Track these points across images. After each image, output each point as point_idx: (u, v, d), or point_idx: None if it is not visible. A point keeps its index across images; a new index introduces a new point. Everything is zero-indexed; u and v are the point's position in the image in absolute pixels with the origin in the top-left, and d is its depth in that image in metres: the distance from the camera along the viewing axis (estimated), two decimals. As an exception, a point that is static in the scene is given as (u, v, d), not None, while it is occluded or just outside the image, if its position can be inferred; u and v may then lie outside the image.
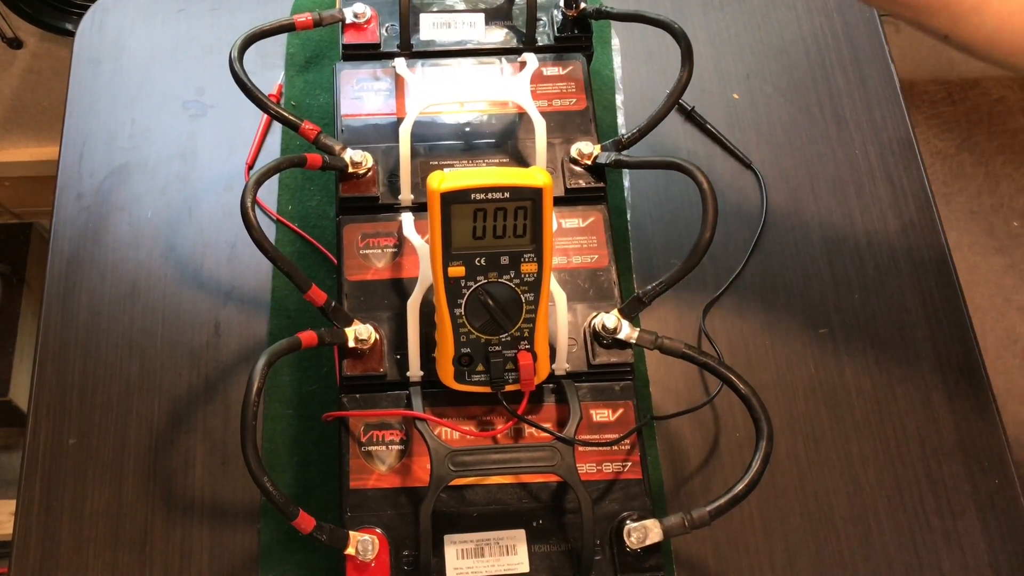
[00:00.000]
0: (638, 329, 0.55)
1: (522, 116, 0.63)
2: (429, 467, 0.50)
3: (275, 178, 0.70)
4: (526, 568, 0.50)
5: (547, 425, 0.54)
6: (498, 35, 0.66)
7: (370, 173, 0.60)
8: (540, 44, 0.66)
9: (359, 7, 0.65)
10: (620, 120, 0.74)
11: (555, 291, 0.54)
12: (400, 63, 0.63)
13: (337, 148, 0.59)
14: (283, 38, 0.76)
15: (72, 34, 0.81)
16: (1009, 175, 1.59)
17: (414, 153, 0.60)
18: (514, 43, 0.66)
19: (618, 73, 0.76)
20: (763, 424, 0.50)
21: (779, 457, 0.62)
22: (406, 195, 0.59)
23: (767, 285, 0.68)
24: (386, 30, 0.65)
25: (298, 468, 0.60)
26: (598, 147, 0.62)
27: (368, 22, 0.65)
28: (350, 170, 0.59)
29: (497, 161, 0.61)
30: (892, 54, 0.78)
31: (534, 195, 0.48)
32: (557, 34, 0.66)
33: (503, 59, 0.65)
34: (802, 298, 0.68)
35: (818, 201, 0.72)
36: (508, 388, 0.53)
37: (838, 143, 0.74)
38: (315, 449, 0.61)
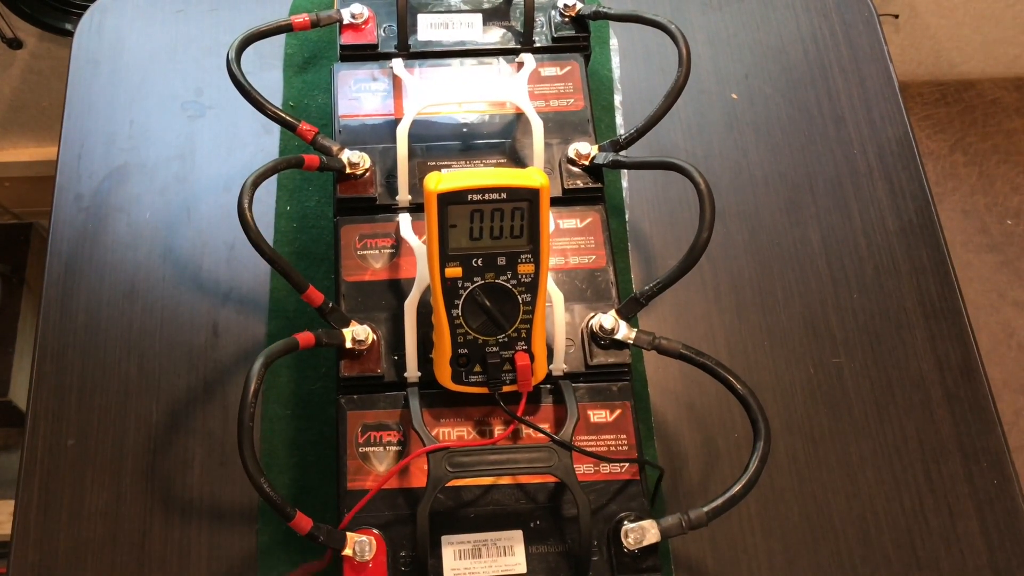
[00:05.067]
0: (635, 329, 0.55)
1: (520, 116, 0.63)
2: (426, 468, 0.50)
3: (273, 179, 0.70)
4: (523, 569, 0.50)
5: (545, 426, 0.54)
6: (496, 35, 0.66)
7: (368, 174, 0.60)
8: (538, 44, 0.66)
9: (356, 8, 0.65)
10: (619, 120, 0.74)
11: (552, 292, 0.54)
12: (398, 64, 0.63)
13: (335, 149, 0.59)
14: (281, 39, 0.76)
15: (72, 34, 0.81)
16: (1003, 175, 1.59)
17: (412, 154, 0.60)
18: (512, 43, 0.66)
19: (616, 73, 0.76)
20: (761, 425, 0.50)
21: (777, 458, 0.62)
22: (404, 196, 0.59)
23: (765, 285, 0.68)
24: (384, 31, 0.65)
25: (296, 469, 0.60)
26: (596, 147, 0.62)
27: (366, 23, 0.65)
28: (348, 171, 0.59)
29: (494, 162, 0.61)
30: (891, 54, 0.78)
31: (531, 196, 0.48)
32: (555, 34, 0.66)
33: (501, 59, 0.65)
34: (801, 298, 0.67)
35: (817, 201, 0.71)
36: (505, 389, 0.53)
37: (837, 143, 0.74)
38: (313, 450, 0.61)
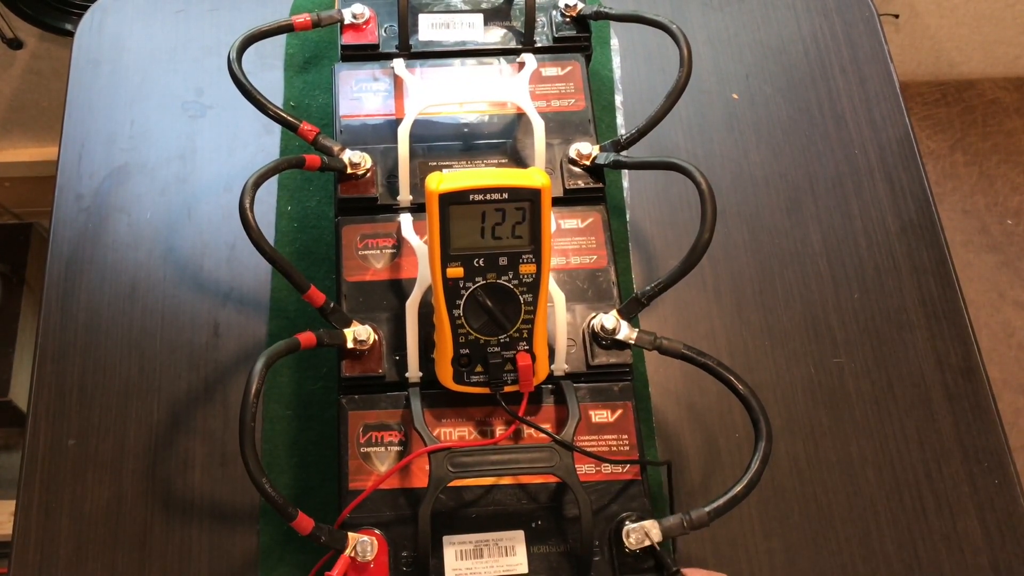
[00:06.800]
0: (637, 330, 0.55)
1: (521, 117, 0.63)
2: (428, 468, 0.50)
3: (274, 179, 0.70)
4: (525, 569, 0.50)
5: (546, 426, 0.54)
6: (497, 35, 0.66)
7: (369, 174, 0.60)
8: (539, 44, 0.66)
9: (358, 8, 0.65)
10: (619, 120, 0.74)
11: (554, 292, 0.54)
12: (399, 64, 0.63)
13: (336, 149, 0.59)
14: (282, 39, 0.76)
15: (72, 34, 0.81)
16: (1003, 175, 1.59)
17: (413, 154, 0.60)
18: (513, 43, 0.66)
19: (617, 73, 0.76)
20: (762, 425, 0.50)
21: (778, 458, 0.62)
22: (405, 196, 0.59)
23: (766, 285, 0.68)
24: (385, 31, 0.65)
25: (297, 469, 0.60)
26: (597, 148, 0.62)
27: (367, 23, 0.65)
28: (349, 171, 0.59)
29: (496, 162, 0.61)
30: (891, 54, 0.78)
31: (532, 196, 0.48)
32: (556, 34, 0.66)
33: (502, 59, 0.65)
34: (801, 298, 0.68)
35: (817, 201, 0.72)
36: (507, 389, 0.53)
37: (837, 143, 0.74)
38: (314, 450, 0.61)
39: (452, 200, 0.47)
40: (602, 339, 0.56)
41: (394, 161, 0.60)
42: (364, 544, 0.49)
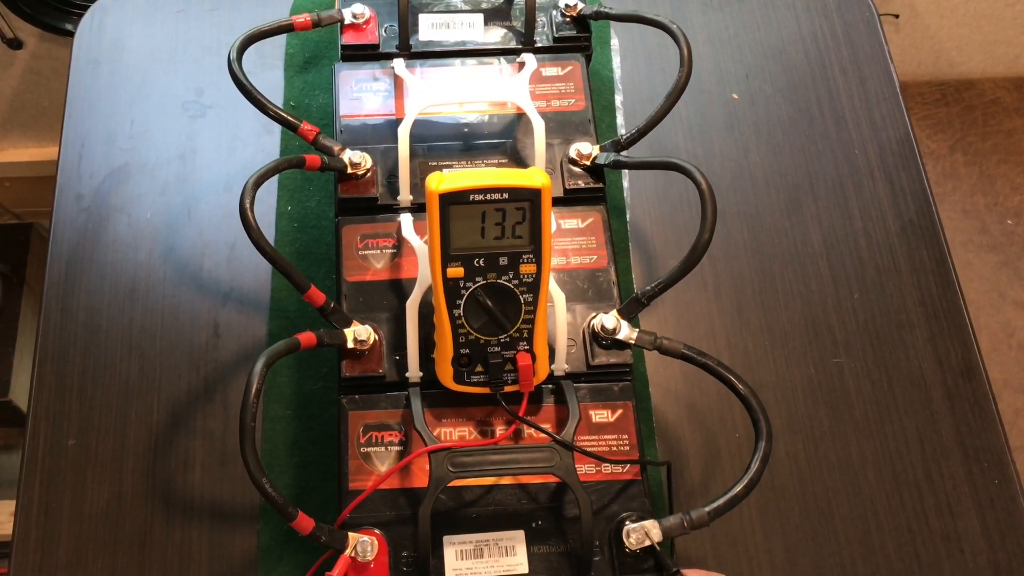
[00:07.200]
0: (637, 329, 0.55)
1: (521, 117, 0.63)
2: (428, 468, 0.50)
3: (274, 179, 0.70)
4: (525, 569, 0.50)
5: (546, 426, 0.54)
6: (497, 35, 0.66)
7: (369, 174, 0.60)
8: (539, 44, 0.66)
9: (358, 7, 0.65)
10: (619, 120, 0.74)
11: (554, 292, 0.54)
12: (399, 64, 0.63)
13: (336, 149, 0.59)
14: (282, 38, 0.75)
15: (72, 34, 0.81)
16: (1004, 175, 1.59)
17: (413, 154, 0.60)
18: (513, 43, 0.66)
19: (617, 73, 0.76)
20: (762, 424, 0.50)
21: (778, 457, 0.62)
22: (405, 196, 0.59)
23: (766, 285, 0.68)
24: (385, 31, 0.65)
25: (297, 469, 0.60)
26: (597, 148, 0.62)
27: (367, 23, 0.65)
28: (349, 171, 0.59)
29: (496, 162, 0.61)
30: (891, 54, 0.78)
31: (533, 196, 0.48)
32: (556, 34, 0.66)
33: (502, 59, 0.65)
34: (801, 298, 0.68)
35: (817, 201, 0.72)
36: (507, 389, 0.53)
37: (837, 143, 0.74)
38: (314, 450, 0.61)
39: (452, 200, 0.47)
40: (602, 339, 0.56)
41: (394, 161, 0.60)
42: (364, 544, 0.49)
